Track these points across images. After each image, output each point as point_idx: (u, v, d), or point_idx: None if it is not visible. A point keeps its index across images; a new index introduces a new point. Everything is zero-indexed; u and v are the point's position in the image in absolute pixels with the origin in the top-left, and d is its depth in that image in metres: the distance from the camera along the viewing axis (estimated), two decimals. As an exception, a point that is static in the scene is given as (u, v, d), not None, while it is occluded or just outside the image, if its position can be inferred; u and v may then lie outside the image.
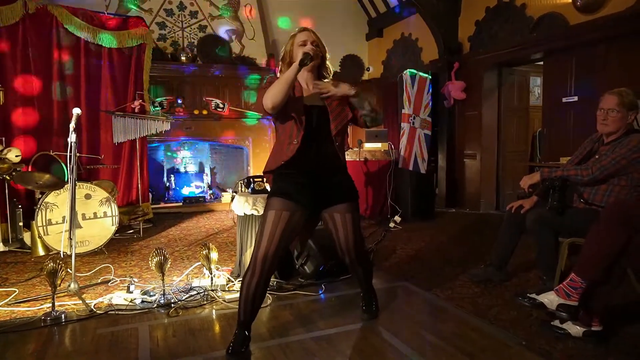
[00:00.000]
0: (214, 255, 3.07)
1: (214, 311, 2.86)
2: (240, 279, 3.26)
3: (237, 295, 3.02)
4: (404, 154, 5.98)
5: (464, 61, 6.69)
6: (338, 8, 8.60)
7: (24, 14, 4.97)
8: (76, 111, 3.05)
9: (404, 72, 6.15)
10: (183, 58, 7.32)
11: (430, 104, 6.42)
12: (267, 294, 3.02)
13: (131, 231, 5.20)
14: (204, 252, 3.06)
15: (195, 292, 3.05)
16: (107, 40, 5.53)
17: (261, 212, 3.26)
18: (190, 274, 3.50)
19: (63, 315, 2.73)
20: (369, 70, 8.87)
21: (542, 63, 6.02)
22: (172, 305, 2.88)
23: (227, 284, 3.21)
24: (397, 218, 5.57)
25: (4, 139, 4.58)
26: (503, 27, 6.11)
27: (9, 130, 4.86)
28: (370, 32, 8.96)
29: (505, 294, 3.05)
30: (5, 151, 4.34)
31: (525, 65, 6.67)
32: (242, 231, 3.34)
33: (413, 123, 6.14)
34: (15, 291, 3.22)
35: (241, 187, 3.71)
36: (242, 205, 3.23)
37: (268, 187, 3.49)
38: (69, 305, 2.94)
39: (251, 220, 3.31)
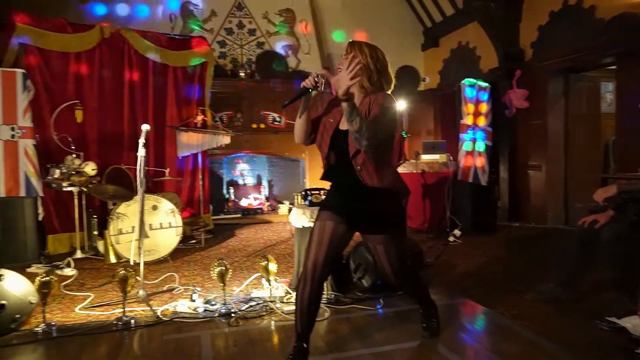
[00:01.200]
0: (273, 267, 3.12)
1: (272, 322, 2.89)
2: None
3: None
4: (463, 165, 5.80)
5: (526, 68, 6.41)
6: (393, 19, 8.59)
7: (100, 38, 5.39)
8: (145, 127, 3.24)
9: (462, 82, 6.00)
10: (242, 74, 7.59)
11: (491, 113, 6.21)
12: (325, 307, 3.03)
13: (193, 241, 5.41)
14: (263, 264, 3.12)
15: (254, 303, 3.11)
16: (173, 59, 5.87)
17: (318, 224, 3.29)
18: (250, 284, 3.57)
19: (133, 321, 2.87)
20: (425, 81, 8.74)
21: (614, 67, 5.65)
22: (233, 315, 2.94)
23: (285, 296, 3.24)
24: (457, 232, 5.39)
25: (82, 154, 4.96)
26: (569, 31, 5.81)
27: (86, 145, 5.24)
28: (426, 42, 8.84)
29: (579, 316, 2.85)
30: (83, 165, 4.68)
31: (595, 71, 6.29)
32: (299, 243, 3.37)
33: (473, 134, 5.95)
34: (90, 296, 3.44)
35: (298, 200, 3.76)
36: (300, 217, 3.27)
37: (325, 200, 3.51)
38: (137, 311, 3.09)
39: (308, 232, 3.32)
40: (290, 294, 3.28)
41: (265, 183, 8.06)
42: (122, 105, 5.59)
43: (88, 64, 5.35)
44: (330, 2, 8.30)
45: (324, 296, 3.17)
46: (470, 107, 5.96)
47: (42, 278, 2.73)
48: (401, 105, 7.39)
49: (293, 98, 2.12)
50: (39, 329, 2.74)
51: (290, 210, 7.31)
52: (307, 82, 2.09)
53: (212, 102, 6.46)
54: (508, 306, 3.07)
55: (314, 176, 7.70)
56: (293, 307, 3.01)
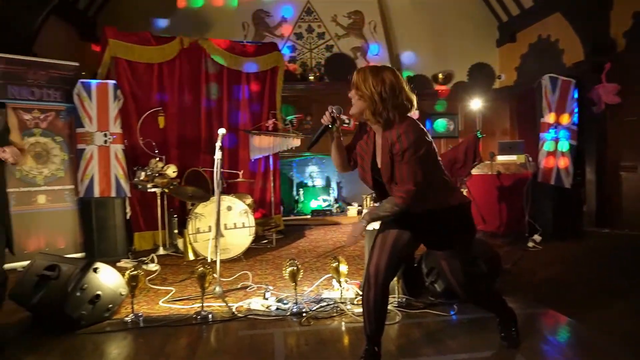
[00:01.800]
0: (344, 268, 3.13)
1: (343, 323, 2.90)
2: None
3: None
4: (544, 166, 5.44)
5: (618, 60, 5.88)
6: (465, 15, 8.27)
7: (180, 49, 5.73)
8: (221, 131, 3.40)
9: (543, 77, 5.64)
10: (311, 77, 7.71)
11: (576, 110, 5.76)
12: (396, 311, 2.98)
13: (265, 241, 5.58)
14: (334, 265, 3.14)
15: (325, 304, 3.13)
16: (246, 66, 6.10)
17: (389, 226, 3.25)
18: (320, 285, 3.61)
19: (210, 316, 3.02)
20: (500, 79, 8.33)
21: None
22: (304, 314, 2.99)
23: (355, 297, 3.23)
24: (537, 237, 5.07)
25: (164, 157, 5.31)
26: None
27: (167, 149, 5.60)
28: (502, 38, 8.42)
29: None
30: (165, 168, 5.01)
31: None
32: (370, 245, 3.34)
33: (555, 133, 5.56)
34: (172, 290, 3.66)
35: (367, 202, 3.73)
36: (370, 219, 3.24)
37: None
38: (214, 306, 3.24)
39: (379, 234, 3.30)
40: (360, 295, 3.26)
41: (334, 185, 8.11)
42: (199, 110, 5.90)
43: (169, 73, 5.71)
44: (399, 1, 8.18)
45: (395, 299, 3.12)
46: (552, 104, 5.57)
47: (131, 272, 2.95)
48: (476, 104, 7.11)
49: (316, 137, 2.16)
50: (128, 319, 2.96)
51: (359, 212, 7.33)
52: (325, 119, 2.12)
53: (283, 106, 6.62)
54: (596, 320, 2.83)
55: (382, 178, 7.63)
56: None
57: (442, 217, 2.15)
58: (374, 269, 2.16)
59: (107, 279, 3.00)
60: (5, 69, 4.49)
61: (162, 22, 7.58)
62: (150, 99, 5.55)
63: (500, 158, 5.88)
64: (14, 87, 4.56)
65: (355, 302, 3.17)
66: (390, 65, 2.19)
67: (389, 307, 3.07)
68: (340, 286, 3.17)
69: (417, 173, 2.00)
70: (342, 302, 3.11)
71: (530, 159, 5.66)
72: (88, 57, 6.62)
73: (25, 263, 3.37)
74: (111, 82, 5.02)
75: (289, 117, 7.42)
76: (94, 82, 4.95)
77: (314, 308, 3.09)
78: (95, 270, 2.93)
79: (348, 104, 2.15)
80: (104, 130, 4.90)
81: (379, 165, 2.12)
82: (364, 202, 7.51)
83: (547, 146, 5.52)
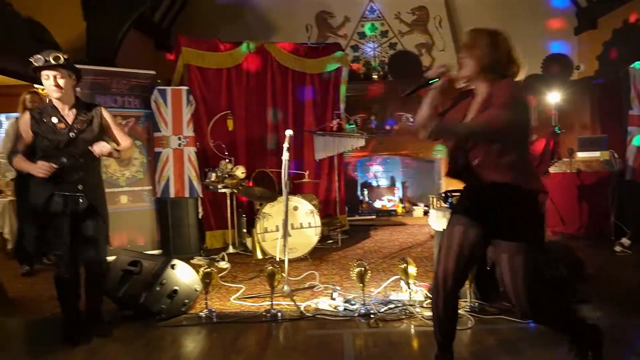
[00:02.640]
0: (412, 270, 3.06)
1: (412, 326, 2.83)
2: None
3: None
4: (634, 163, 4.98)
5: None
6: (537, 4, 7.79)
7: (247, 54, 5.91)
8: (289, 132, 3.46)
9: (631, 66, 5.17)
10: (375, 76, 7.64)
11: (670, 101, 5.22)
12: (468, 316, 2.87)
13: (330, 241, 5.60)
14: (402, 266, 3.08)
15: (393, 306, 3.08)
16: (310, 67, 6.16)
17: (460, 227, 3.13)
18: (388, 286, 3.56)
19: (279, 314, 3.08)
20: (578, 69, 7.76)
21: None
22: (372, 316, 2.96)
23: (425, 300, 3.15)
24: (625, 240, 4.64)
25: (233, 158, 5.50)
26: None
27: (236, 151, 5.80)
28: (580, 25, 7.83)
29: None
30: (234, 169, 5.19)
31: None
32: (440, 247, 3.24)
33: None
34: (242, 287, 3.78)
35: (434, 202, 3.62)
36: (440, 220, 3.15)
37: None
38: (283, 305, 3.29)
39: (449, 235, 3.19)
40: (429, 298, 3.17)
41: (399, 184, 7.98)
42: (265, 112, 6.05)
43: (237, 77, 5.91)
44: (465, -7, 7.90)
45: (466, 304, 3.00)
46: (642, 95, 5.09)
47: (205, 269, 3.08)
48: (552, 97, 6.67)
49: (414, 88, 2.05)
50: (202, 314, 3.09)
51: (425, 212, 7.15)
52: (431, 73, 2.03)
53: (347, 106, 6.62)
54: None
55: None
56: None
57: (518, 200, 1.96)
58: (442, 274, 2.05)
59: (184, 275, 3.15)
60: (93, 80, 4.88)
61: (230, 29, 7.87)
62: (220, 102, 5.77)
63: (581, 155, 5.47)
64: (100, 96, 4.93)
65: (424, 305, 3.09)
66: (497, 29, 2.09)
67: (461, 311, 2.96)
68: (409, 288, 3.10)
69: (507, 121, 1.88)
70: (411, 305, 3.04)
71: (616, 155, 5.21)
72: (162, 66, 7.03)
73: (111, 258, 3.63)
74: (184, 88, 5.28)
75: (353, 117, 7.43)
76: (169, 88, 5.24)
77: (382, 310, 3.05)
78: (172, 266, 3.09)
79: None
80: (178, 134, 5.18)
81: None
82: (431, 203, 7.32)
83: (637, 141, 5.05)
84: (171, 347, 2.71)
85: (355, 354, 2.48)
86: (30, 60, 2.41)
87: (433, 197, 7.13)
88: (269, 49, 6.03)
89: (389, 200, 7.80)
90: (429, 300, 3.16)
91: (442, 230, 3.19)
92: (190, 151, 5.22)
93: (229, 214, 5.28)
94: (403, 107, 7.60)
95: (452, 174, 2.14)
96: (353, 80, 7.24)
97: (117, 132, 2.81)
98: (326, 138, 5.97)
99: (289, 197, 4.77)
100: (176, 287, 3.07)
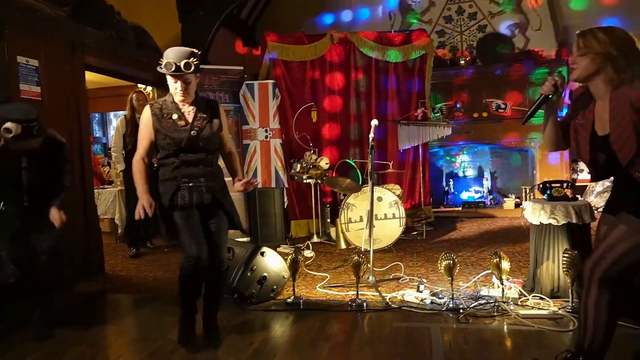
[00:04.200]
0: (506, 265, 2.88)
1: (505, 325, 2.68)
2: (535, 294, 2.99)
3: (532, 311, 2.78)
4: None
5: None
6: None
7: (330, 45, 5.94)
8: (374, 122, 3.42)
9: None
10: (462, 62, 7.29)
11: None
12: (570, 317, 2.65)
13: (414, 233, 5.48)
14: (494, 261, 2.92)
15: (484, 302, 2.94)
16: (394, 55, 6.03)
17: (560, 221, 2.90)
18: (478, 281, 3.40)
19: (365, 304, 3.08)
20: None
21: None
22: (461, 311, 2.85)
23: (519, 298, 2.97)
24: None
25: (316, 149, 5.58)
26: None
27: (320, 142, 5.88)
28: None
29: None
30: (318, 160, 5.27)
31: None
32: (536, 242, 3.03)
33: None
34: (327, 276, 3.84)
35: (527, 193, 3.38)
36: (537, 213, 2.93)
37: (569, 194, 3.07)
38: (368, 295, 3.29)
39: (548, 230, 2.96)
40: (525, 296, 2.98)
41: (487, 175, 7.58)
42: (349, 103, 6.04)
43: (320, 69, 5.97)
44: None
45: (568, 304, 2.77)
46: None
47: (292, 257, 3.17)
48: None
49: (532, 109, 1.99)
50: (289, 300, 3.20)
51: (517, 204, 6.73)
52: (546, 89, 1.91)
53: (432, 94, 6.40)
54: None
55: (545, 168, 6.85)
56: (530, 312, 2.76)
57: None
58: (588, 270, 1.85)
59: (272, 262, 3.27)
60: (187, 78, 5.21)
61: (314, 22, 7.96)
62: (304, 95, 5.88)
63: None
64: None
65: (519, 303, 2.91)
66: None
67: (561, 311, 2.75)
68: (502, 284, 2.94)
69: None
70: (504, 302, 2.88)
71: None
72: (249, 61, 7.32)
73: (206, 244, 3.87)
74: (270, 81, 5.46)
75: (439, 105, 7.17)
76: (256, 83, 5.44)
77: (472, 305, 2.92)
78: (262, 254, 3.23)
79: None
80: (265, 127, 5.37)
81: (600, 133, 1.85)
82: (523, 194, 6.87)
83: None
84: (261, 330, 2.84)
85: (444, 349, 2.41)
86: (161, 63, 2.36)
87: (527, 189, 6.70)
88: (352, 38, 6.01)
89: (476, 192, 7.44)
90: (523, 298, 2.97)
91: (539, 224, 2.98)
92: (276, 143, 5.40)
93: (313, 204, 5.38)
94: (493, 93, 7.17)
95: (596, 177, 1.97)
96: (439, 67, 6.98)
97: (226, 132, 2.72)
98: (410, 127, 5.84)
99: (374, 187, 4.75)
100: (265, 274, 3.20)
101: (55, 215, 2.78)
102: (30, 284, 2.81)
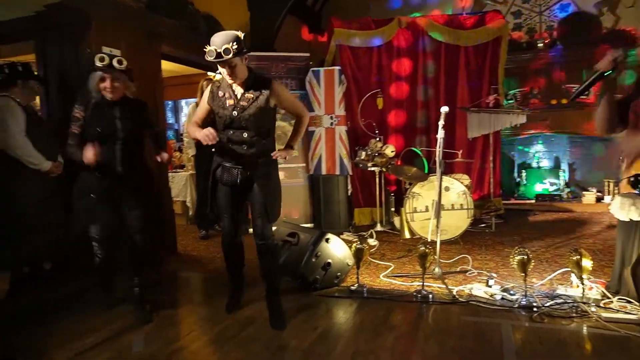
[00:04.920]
0: (587, 263, 2.68)
1: (585, 327, 2.50)
2: (620, 296, 2.76)
3: (618, 315, 2.57)
4: None
5: None
6: None
7: (398, 30, 5.78)
8: (444, 109, 3.29)
9: None
10: (540, 44, 6.81)
11: None
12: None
13: (483, 225, 5.26)
14: (574, 258, 2.72)
15: (561, 301, 2.76)
16: (465, 39, 5.75)
17: (655, 218, 2.63)
18: (554, 279, 3.20)
19: (430, 296, 3.01)
20: None
21: None
22: (536, 309, 2.69)
23: (602, 300, 2.75)
24: None
25: (382, 137, 5.49)
26: None
27: (385, 129, 5.77)
28: None
29: None
30: (383, 147, 5.18)
31: None
32: (623, 240, 2.78)
33: None
34: (391, 266, 3.79)
35: (610, 187, 3.10)
36: (627, 209, 2.67)
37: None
38: (433, 287, 3.21)
39: (639, 228, 2.70)
40: (608, 298, 2.76)
41: (564, 166, 7.07)
42: (416, 89, 5.86)
43: (387, 54, 5.82)
44: None
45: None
46: None
47: (357, 245, 3.15)
48: None
49: (585, 86, 1.82)
50: (353, 288, 3.19)
51: (598, 199, 6.23)
52: (603, 65, 1.81)
53: (505, 79, 6.04)
54: None
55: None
56: (613, 315, 2.55)
57: None
58: None
59: (337, 249, 3.28)
60: (257, 65, 5.30)
61: (382, 7, 7.78)
62: (370, 81, 5.78)
63: None
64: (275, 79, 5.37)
65: (601, 305, 2.69)
66: None
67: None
68: (582, 284, 2.73)
69: None
70: (584, 303, 2.68)
71: None
72: (315, 48, 7.31)
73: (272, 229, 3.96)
74: (336, 68, 5.42)
75: (512, 92, 6.77)
76: (322, 69, 5.43)
77: (547, 304, 2.75)
78: (327, 240, 3.24)
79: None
80: (330, 114, 5.36)
81: None
82: (606, 188, 6.35)
83: None
84: (324, 315, 2.86)
85: (516, 347, 2.29)
86: (205, 51, 2.49)
87: (610, 182, 6.18)
88: (421, 23, 5.80)
89: (552, 184, 6.98)
90: (607, 300, 2.75)
91: (628, 220, 2.73)
92: (341, 130, 5.37)
93: (377, 192, 5.32)
94: (574, 77, 6.64)
95: None
96: (514, 51, 6.57)
97: (293, 103, 2.80)
98: (481, 115, 5.56)
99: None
100: (330, 260, 3.21)
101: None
102: (122, 262, 2.93)
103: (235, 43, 2.45)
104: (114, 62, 2.68)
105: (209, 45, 2.48)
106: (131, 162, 2.82)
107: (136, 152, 2.88)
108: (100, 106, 2.73)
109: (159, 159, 2.95)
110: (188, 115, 5.17)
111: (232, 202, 2.75)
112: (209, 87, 2.74)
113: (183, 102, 9.04)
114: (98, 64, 2.63)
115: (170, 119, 9.11)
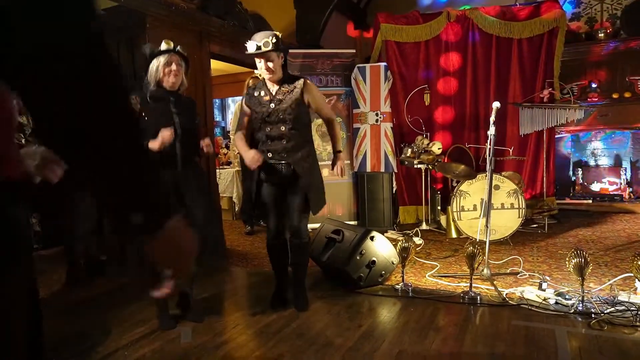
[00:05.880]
0: (654, 268, 2.50)
1: (650, 337, 2.33)
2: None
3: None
4: None
5: None
6: None
7: (446, 23, 5.62)
8: (496, 105, 3.17)
9: None
10: (601, 35, 6.40)
11: None
12: None
13: (535, 225, 5.03)
14: (639, 263, 2.54)
15: (623, 308, 2.59)
16: (518, 31, 5.52)
17: None
18: (614, 284, 3.01)
19: (479, 297, 2.91)
20: None
21: None
22: (594, 316, 2.54)
23: (669, 308, 2.56)
24: None
25: (428, 134, 5.37)
26: None
27: (432, 126, 5.65)
28: None
29: None
30: (430, 144, 5.07)
31: None
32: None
33: None
34: (437, 265, 3.71)
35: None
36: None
37: None
38: (481, 288, 3.10)
39: None
40: (677, 307, 2.56)
41: (626, 165, 6.63)
42: (465, 85, 5.69)
43: (435, 49, 5.69)
44: None
45: None
46: None
47: (402, 243, 3.10)
48: None
49: None
50: (398, 287, 3.14)
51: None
52: None
53: (562, 72, 5.73)
54: None
55: None
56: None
57: None
58: None
59: (382, 247, 3.24)
60: (302, 62, 5.34)
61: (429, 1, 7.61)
62: (417, 77, 5.67)
63: None
64: (307, 77, 5.38)
65: (668, 314, 2.51)
66: None
67: None
68: (647, 290, 2.56)
69: None
70: (649, 311, 2.50)
71: None
72: (360, 44, 7.26)
73: (316, 225, 3.98)
74: (382, 64, 5.35)
75: (569, 85, 6.41)
76: (367, 65, 5.37)
77: (607, 311, 2.59)
78: (372, 238, 3.21)
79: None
80: (375, 110, 5.30)
81: None
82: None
83: None
84: (368, 313, 2.84)
85: (572, 355, 2.17)
86: (245, 45, 2.62)
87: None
88: (471, 15, 5.61)
89: (611, 183, 6.57)
90: (675, 309, 2.55)
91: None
92: (386, 127, 5.30)
93: (422, 190, 5.22)
94: (638, 70, 6.21)
95: None
96: (571, 42, 6.22)
97: (323, 104, 2.85)
98: (534, 110, 5.33)
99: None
100: (374, 258, 3.18)
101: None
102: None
103: (274, 38, 2.59)
104: (179, 48, 2.70)
105: (250, 41, 2.62)
106: (190, 159, 2.74)
107: (193, 149, 2.77)
108: (156, 100, 2.62)
109: (204, 149, 2.77)
110: (234, 114, 5.28)
111: (276, 201, 2.80)
112: (245, 90, 2.87)
113: (230, 100, 9.25)
114: (164, 47, 2.62)
115: (218, 117, 9.35)
